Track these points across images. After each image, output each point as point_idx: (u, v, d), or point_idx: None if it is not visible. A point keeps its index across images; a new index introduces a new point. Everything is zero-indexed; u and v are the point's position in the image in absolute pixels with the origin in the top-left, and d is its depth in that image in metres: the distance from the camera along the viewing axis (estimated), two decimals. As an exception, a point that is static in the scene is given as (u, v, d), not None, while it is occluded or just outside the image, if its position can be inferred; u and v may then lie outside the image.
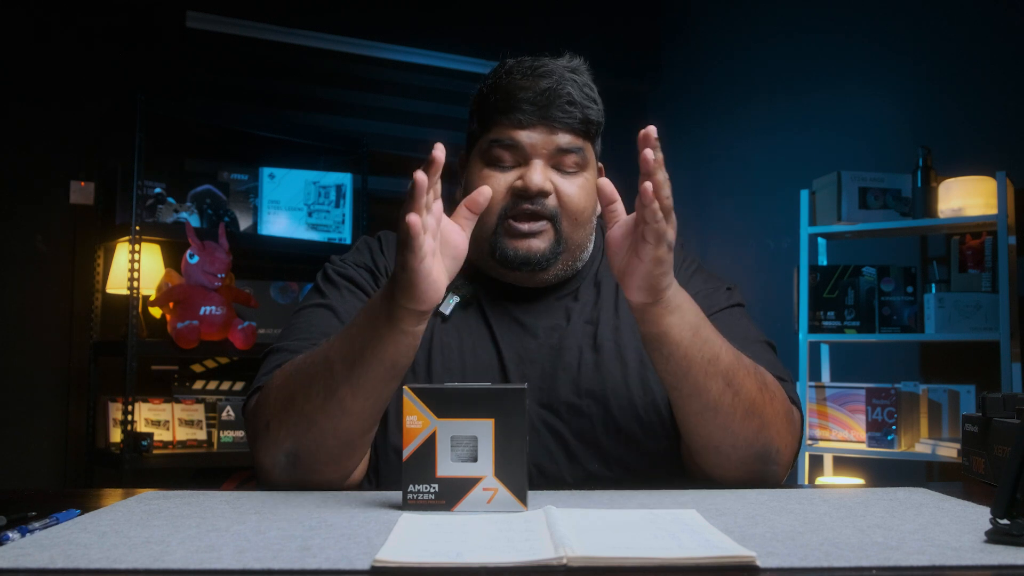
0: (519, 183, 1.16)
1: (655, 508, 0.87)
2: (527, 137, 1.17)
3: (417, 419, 0.85)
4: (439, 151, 0.92)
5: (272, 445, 1.03)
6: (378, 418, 1.05)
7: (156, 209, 2.90)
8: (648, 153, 0.92)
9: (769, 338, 1.23)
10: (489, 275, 1.25)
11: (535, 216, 1.17)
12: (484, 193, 1.01)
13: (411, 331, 0.97)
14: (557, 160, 1.18)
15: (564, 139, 1.17)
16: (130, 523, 0.79)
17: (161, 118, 2.91)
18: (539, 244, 1.17)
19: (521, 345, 1.20)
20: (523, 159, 1.18)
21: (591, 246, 1.26)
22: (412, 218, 0.88)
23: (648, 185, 0.92)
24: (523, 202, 1.17)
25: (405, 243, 0.90)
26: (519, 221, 1.17)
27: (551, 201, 1.17)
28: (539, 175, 1.16)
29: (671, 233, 0.96)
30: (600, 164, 1.27)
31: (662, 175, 0.93)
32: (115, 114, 3.03)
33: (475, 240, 1.20)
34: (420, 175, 0.90)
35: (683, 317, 1.01)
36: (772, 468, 1.09)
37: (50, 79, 3.13)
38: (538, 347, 1.20)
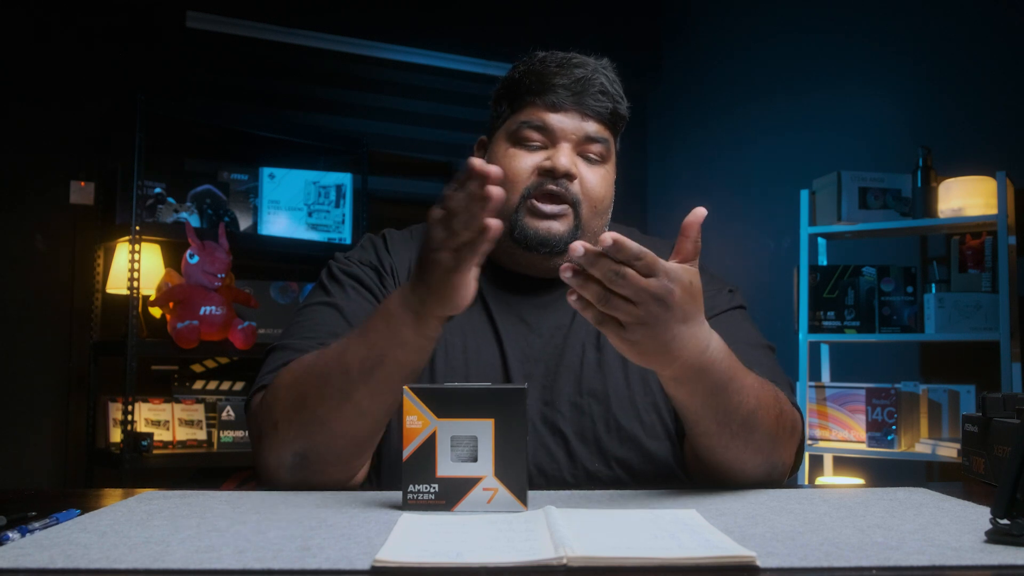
0: (547, 163, 1.18)
1: (655, 508, 0.87)
2: (558, 121, 1.19)
3: (417, 419, 0.85)
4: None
5: (280, 445, 1.03)
6: (388, 419, 1.04)
7: (156, 209, 2.90)
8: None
9: (770, 340, 1.23)
10: (499, 265, 1.25)
11: (558, 199, 1.18)
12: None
13: (434, 336, 0.97)
14: (583, 148, 1.20)
15: (592, 127, 1.20)
16: (130, 523, 0.79)
17: (161, 118, 2.91)
18: (559, 227, 1.18)
19: (525, 343, 1.20)
20: (551, 142, 1.19)
21: None
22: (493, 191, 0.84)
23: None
24: (548, 182, 1.18)
25: (472, 243, 0.88)
26: (542, 202, 1.18)
27: (575, 186, 1.19)
28: (567, 158, 1.18)
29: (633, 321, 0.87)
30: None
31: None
32: (115, 114, 3.03)
33: None
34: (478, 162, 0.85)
35: (695, 387, 0.96)
36: (776, 477, 1.10)
37: (50, 79, 3.13)
38: (542, 345, 1.20)
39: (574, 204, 1.19)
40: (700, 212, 0.91)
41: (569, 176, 1.18)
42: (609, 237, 0.82)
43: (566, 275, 0.85)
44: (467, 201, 0.87)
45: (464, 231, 0.88)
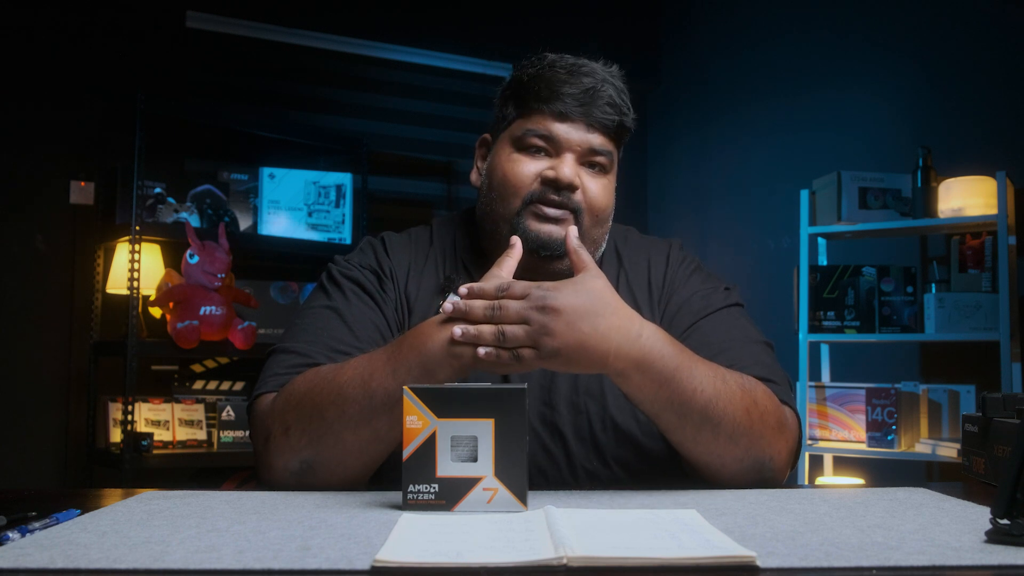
0: (550, 172, 1.18)
1: (655, 508, 0.87)
2: (564, 131, 1.19)
3: (417, 419, 0.85)
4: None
5: (289, 450, 1.03)
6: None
7: (156, 209, 2.90)
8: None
9: (768, 338, 1.23)
10: None
11: (560, 206, 1.19)
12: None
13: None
14: (587, 159, 1.21)
15: (597, 140, 1.20)
16: (130, 523, 0.79)
17: (161, 118, 2.91)
18: (561, 231, 1.18)
19: None
20: (555, 151, 1.20)
21: (604, 245, 1.27)
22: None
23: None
24: (551, 192, 1.18)
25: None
26: (546, 206, 1.19)
27: (577, 196, 1.19)
28: (570, 169, 1.18)
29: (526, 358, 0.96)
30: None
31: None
32: (115, 114, 3.03)
33: (494, 223, 1.22)
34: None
35: (641, 379, 0.99)
36: (767, 475, 1.09)
37: (50, 79, 3.13)
38: None
39: (575, 212, 1.19)
40: (571, 232, 1.07)
41: (571, 187, 1.18)
42: (464, 288, 0.97)
43: (456, 333, 0.95)
44: None
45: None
